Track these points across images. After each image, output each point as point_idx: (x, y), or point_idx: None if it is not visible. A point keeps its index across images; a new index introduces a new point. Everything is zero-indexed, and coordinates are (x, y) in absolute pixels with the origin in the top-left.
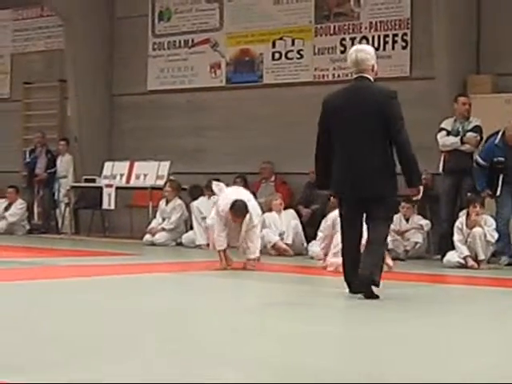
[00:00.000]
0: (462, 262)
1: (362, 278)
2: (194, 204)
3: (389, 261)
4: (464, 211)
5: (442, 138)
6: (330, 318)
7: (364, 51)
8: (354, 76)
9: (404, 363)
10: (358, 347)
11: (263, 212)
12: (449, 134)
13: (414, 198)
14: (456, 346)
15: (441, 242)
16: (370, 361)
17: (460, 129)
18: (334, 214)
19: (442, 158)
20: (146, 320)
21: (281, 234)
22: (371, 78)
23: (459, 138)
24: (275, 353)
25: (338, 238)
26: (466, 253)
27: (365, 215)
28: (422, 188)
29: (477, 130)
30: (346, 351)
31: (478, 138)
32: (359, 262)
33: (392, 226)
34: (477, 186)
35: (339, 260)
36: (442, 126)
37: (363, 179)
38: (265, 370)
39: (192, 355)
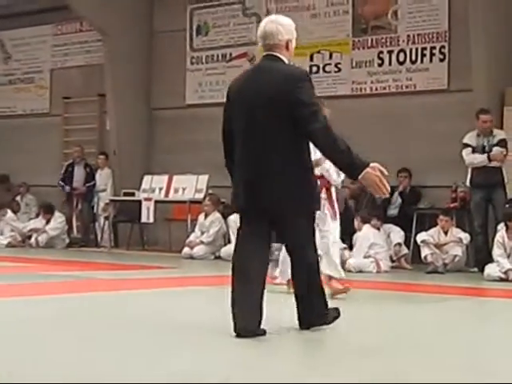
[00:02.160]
0: (503, 276)
1: (321, 323)
2: (231, 218)
3: (335, 284)
4: (502, 224)
5: (467, 155)
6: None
7: (276, 22)
8: (263, 54)
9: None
10: None
11: None
12: (474, 150)
13: (378, 197)
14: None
15: (477, 255)
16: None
17: (485, 143)
18: None
19: (470, 173)
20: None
21: None
22: (284, 59)
23: (486, 155)
24: None
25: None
26: (508, 266)
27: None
28: (370, 176)
29: (503, 144)
30: None
31: (505, 152)
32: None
33: (431, 239)
34: None
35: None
36: (466, 141)
37: (262, 187)
38: None
39: None
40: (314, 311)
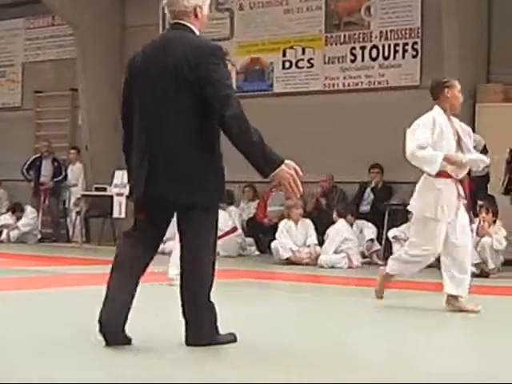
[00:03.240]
0: (473, 269)
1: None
2: None
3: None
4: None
5: None
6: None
7: None
8: (170, 22)
9: None
10: None
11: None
12: None
13: (288, 198)
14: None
15: None
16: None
17: None
18: None
19: None
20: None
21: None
22: (194, 29)
23: None
24: None
25: None
26: (478, 261)
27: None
28: (284, 173)
29: (485, 151)
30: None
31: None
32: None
33: (402, 235)
34: None
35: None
36: None
37: (160, 173)
38: None
39: None
40: (201, 331)
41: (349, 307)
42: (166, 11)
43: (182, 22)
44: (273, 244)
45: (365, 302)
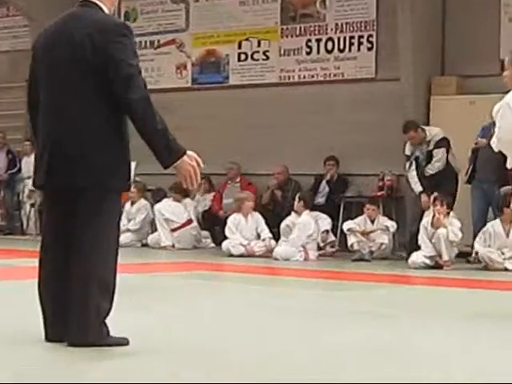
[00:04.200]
0: (428, 262)
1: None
2: (156, 207)
3: None
4: (430, 210)
5: (409, 172)
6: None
7: None
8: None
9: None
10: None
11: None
12: (408, 158)
13: (186, 187)
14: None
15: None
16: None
17: (418, 153)
18: None
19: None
20: None
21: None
22: (103, 7)
23: (420, 186)
24: None
25: None
26: (433, 253)
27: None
28: (184, 166)
29: (442, 143)
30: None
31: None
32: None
33: (357, 228)
34: None
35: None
36: (406, 152)
37: (58, 159)
38: None
39: None
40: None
41: (301, 299)
42: None
43: None
44: (223, 244)
45: (315, 293)
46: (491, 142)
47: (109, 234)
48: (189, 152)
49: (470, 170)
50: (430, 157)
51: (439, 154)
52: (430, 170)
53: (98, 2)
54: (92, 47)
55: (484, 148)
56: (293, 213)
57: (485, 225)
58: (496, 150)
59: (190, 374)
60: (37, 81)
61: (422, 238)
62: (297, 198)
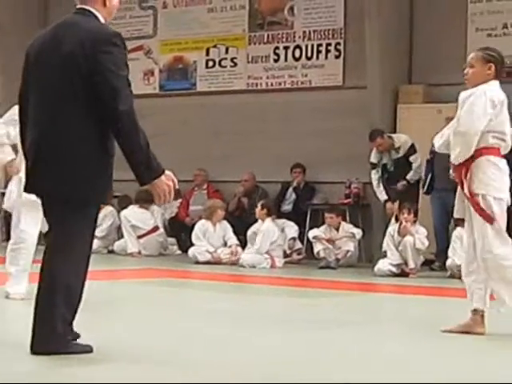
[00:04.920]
0: (394, 270)
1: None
2: (123, 213)
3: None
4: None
5: (374, 180)
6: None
7: None
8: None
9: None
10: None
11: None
12: (375, 166)
13: (160, 203)
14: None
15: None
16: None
17: (386, 160)
18: None
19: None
20: None
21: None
22: (99, 16)
23: (385, 194)
24: None
25: None
26: (399, 261)
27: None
28: (161, 186)
29: (412, 151)
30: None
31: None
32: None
33: (322, 235)
34: None
35: None
36: (372, 160)
37: (37, 166)
38: None
39: None
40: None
41: (266, 306)
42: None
43: (86, 7)
44: (190, 251)
45: (280, 300)
46: (435, 140)
47: (80, 245)
48: (167, 172)
49: (427, 180)
50: (399, 164)
51: (418, 159)
52: (414, 176)
53: (94, 11)
54: (82, 55)
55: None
56: (260, 220)
57: (447, 233)
58: (439, 146)
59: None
60: (27, 86)
61: (388, 246)
62: (259, 206)
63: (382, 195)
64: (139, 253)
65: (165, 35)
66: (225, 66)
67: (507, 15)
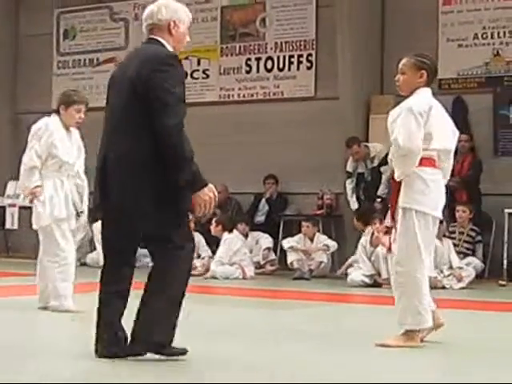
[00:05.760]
0: (366, 280)
1: (139, 337)
2: (95, 226)
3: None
4: (369, 229)
5: (348, 190)
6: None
7: (161, 3)
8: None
9: None
10: None
11: None
12: (350, 175)
13: (199, 215)
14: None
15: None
16: None
17: (363, 169)
18: None
19: None
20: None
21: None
22: (165, 43)
23: (356, 204)
24: None
25: None
26: (371, 271)
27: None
28: (204, 198)
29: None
30: None
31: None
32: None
33: (298, 246)
34: None
35: None
36: (348, 168)
37: (112, 181)
38: None
39: None
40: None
41: (236, 318)
42: (143, 27)
43: (154, 37)
44: None
45: (251, 312)
46: (389, 159)
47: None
48: (210, 185)
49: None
50: (374, 174)
51: (388, 171)
52: (385, 189)
53: (161, 39)
54: (140, 76)
55: None
56: (234, 230)
57: None
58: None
59: None
60: (107, 108)
61: (361, 257)
62: (213, 223)
63: (354, 205)
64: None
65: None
66: (197, 78)
67: (478, 26)
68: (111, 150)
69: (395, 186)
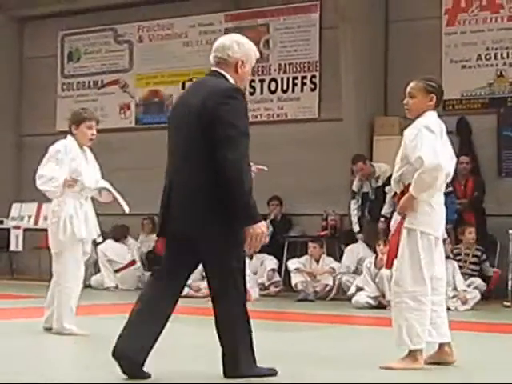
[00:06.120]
0: (372, 302)
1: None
2: (100, 248)
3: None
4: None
5: (353, 210)
6: None
7: (234, 38)
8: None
9: None
10: None
11: None
12: (355, 195)
13: (250, 251)
14: None
15: None
16: None
17: (368, 189)
18: None
19: None
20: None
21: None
22: (228, 77)
23: (358, 228)
24: None
25: None
26: (376, 293)
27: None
28: (255, 234)
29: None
30: None
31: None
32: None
33: (303, 267)
34: None
35: None
36: (353, 187)
37: (177, 207)
38: None
39: None
40: (239, 366)
41: None
42: (211, 57)
43: (219, 70)
44: None
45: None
46: (392, 179)
47: (240, 277)
48: (263, 221)
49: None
50: (378, 194)
51: (392, 191)
52: (389, 209)
53: (224, 72)
54: (203, 108)
55: None
56: None
57: None
58: (396, 187)
59: None
60: (168, 138)
61: (365, 279)
62: None
63: (356, 227)
64: (116, 287)
65: (141, 69)
66: None
67: (481, 47)
68: (176, 176)
69: (399, 201)
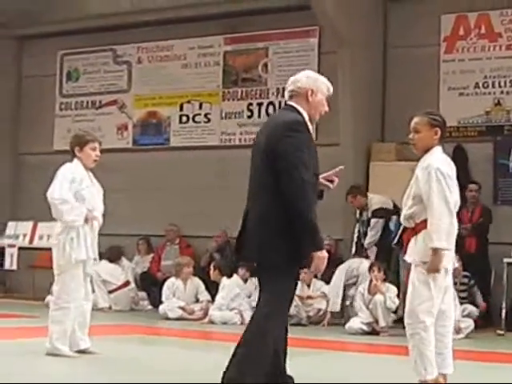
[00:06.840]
0: (365, 328)
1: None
2: (93, 268)
3: None
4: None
5: (354, 234)
6: None
7: (304, 72)
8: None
9: None
10: None
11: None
12: (359, 222)
13: (312, 271)
14: None
15: None
16: None
17: (364, 218)
18: None
19: None
20: None
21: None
22: (301, 110)
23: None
24: None
25: None
26: (369, 319)
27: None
28: (320, 259)
29: (378, 213)
30: None
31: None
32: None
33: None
34: None
35: None
36: (357, 215)
37: (245, 236)
38: None
39: None
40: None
41: None
42: (286, 94)
43: (291, 103)
44: (160, 308)
45: None
46: (403, 218)
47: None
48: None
49: (399, 232)
50: (368, 225)
51: (372, 223)
52: (369, 241)
53: (297, 106)
54: (270, 142)
55: None
56: (234, 275)
57: None
58: (406, 223)
59: None
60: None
61: (359, 304)
62: (211, 267)
63: (352, 249)
64: (110, 308)
65: (139, 90)
66: (198, 122)
67: (479, 75)
68: (251, 208)
69: (408, 236)
